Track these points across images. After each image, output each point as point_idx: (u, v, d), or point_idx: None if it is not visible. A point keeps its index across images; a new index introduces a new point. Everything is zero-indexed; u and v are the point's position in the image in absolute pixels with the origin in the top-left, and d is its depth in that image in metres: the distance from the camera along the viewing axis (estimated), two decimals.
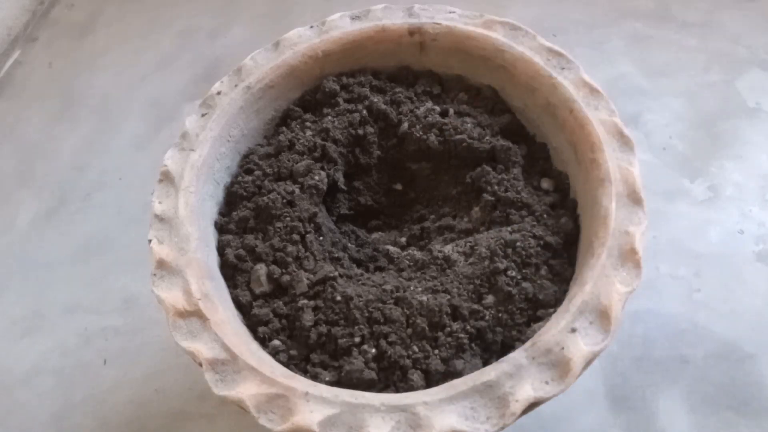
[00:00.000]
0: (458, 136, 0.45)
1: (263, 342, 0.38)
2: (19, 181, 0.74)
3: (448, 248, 0.42)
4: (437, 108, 0.47)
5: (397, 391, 0.35)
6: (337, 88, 0.48)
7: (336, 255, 0.42)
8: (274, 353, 0.37)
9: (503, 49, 0.45)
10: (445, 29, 0.47)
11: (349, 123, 0.47)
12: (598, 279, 0.34)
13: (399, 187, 0.48)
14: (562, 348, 0.32)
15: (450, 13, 0.48)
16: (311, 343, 0.37)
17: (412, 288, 0.39)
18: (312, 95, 0.49)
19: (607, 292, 0.34)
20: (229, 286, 0.40)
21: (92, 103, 0.82)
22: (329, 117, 0.47)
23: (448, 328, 0.37)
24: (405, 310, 0.38)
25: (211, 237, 0.41)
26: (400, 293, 0.38)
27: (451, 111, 0.47)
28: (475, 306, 0.38)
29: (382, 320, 0.37)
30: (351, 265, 0.42)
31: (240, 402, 0.32)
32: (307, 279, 0.39)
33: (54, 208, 0.71)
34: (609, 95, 0.42)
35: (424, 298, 0.38)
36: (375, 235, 0.47)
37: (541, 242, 0.39)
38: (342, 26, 0.48)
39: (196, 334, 0.35)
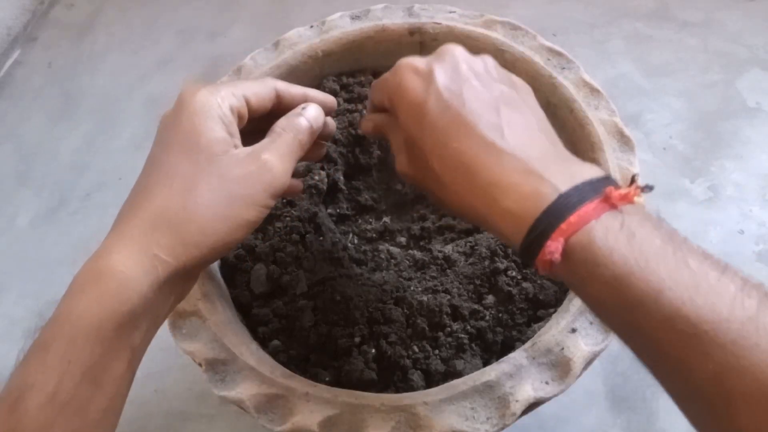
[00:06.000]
0: None
1: (263, 342, 0.38)
2: (19, 181, 0.74)
3: (448, 248, 0.42)
4: None
5: (397, 391, 0.35)
6: (337, 87, 0.48)
7: (336, 255, 0.42)
8: (274, 353, 0.37)
9: (503, 49, 0.45)
10: (446, 29, 0.47)
11: (349, 123, 0.46)
12: None
13: (399, 186, 0.48)
14: (563, 348, 0.32)
15: (450, 12, 0.48)
16: (311, 344, 0.37)
17: (412, 288, 0.39)
18: None
19: None
20: (228, 287, 0.40)
21: (92, 103, 0.81)
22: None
23: (449, 328, 0.37)
24: (405, 310, 0.38)
25: None
26: (400, 293, 0.38)
27: None
28: (476, 306, 0.38)
29: (382, 320, 0.37)
30: (351, 265, 0.42)
31: (240, 402, 0.32)
32: (307, 279, 0.39)
33: (53, 208, 0.71)
34: (609, 95, 0.42)
35: (424, 298, 0.38)
36: (375, 235, 0.47)
37: None
38: (342, 26, 0.48)
39: (195, 334, 0.34)
